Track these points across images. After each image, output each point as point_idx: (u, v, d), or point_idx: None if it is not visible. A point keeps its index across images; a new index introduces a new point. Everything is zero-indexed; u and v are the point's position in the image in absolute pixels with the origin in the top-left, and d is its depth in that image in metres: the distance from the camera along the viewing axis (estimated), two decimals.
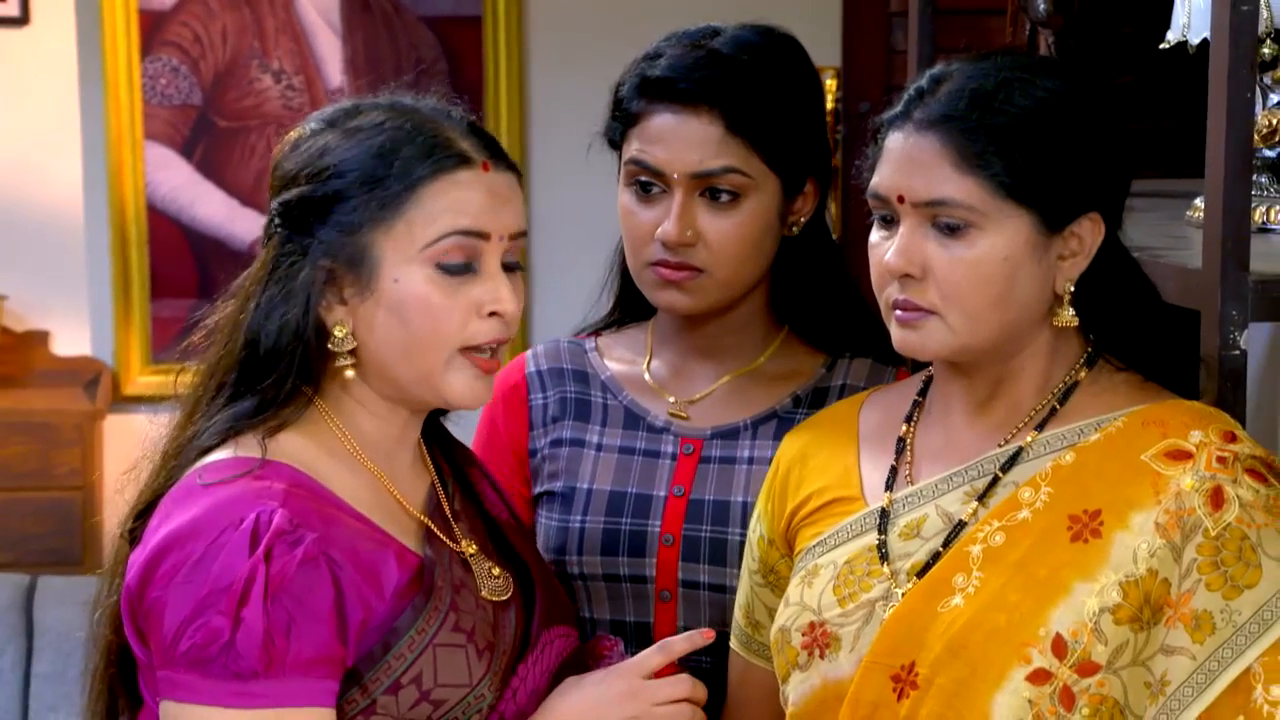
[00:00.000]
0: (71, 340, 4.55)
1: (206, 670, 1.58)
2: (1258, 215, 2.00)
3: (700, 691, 1.77)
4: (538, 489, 2.07)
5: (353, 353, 1.70)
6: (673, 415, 2.05)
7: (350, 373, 1.70)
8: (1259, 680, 1.56)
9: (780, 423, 2.01)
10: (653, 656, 1.76)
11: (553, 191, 4.54)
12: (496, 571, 1.76)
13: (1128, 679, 1.58)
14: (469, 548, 1.76)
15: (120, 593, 1.66)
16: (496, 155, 1.74)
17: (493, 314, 1.71)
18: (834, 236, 3.10)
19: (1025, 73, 1.67)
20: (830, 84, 4.25)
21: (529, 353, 2.14)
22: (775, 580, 1.83)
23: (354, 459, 1.72)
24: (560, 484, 2.05)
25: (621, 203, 2.01)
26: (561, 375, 2.10)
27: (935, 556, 1.67)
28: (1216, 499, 1.59)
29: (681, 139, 1.95)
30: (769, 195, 1.98)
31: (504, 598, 1.75)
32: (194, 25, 4.50)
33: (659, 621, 2.00)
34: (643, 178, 1.98)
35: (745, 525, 1.95)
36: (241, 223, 4.50)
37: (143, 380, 4.51)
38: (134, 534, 1.68)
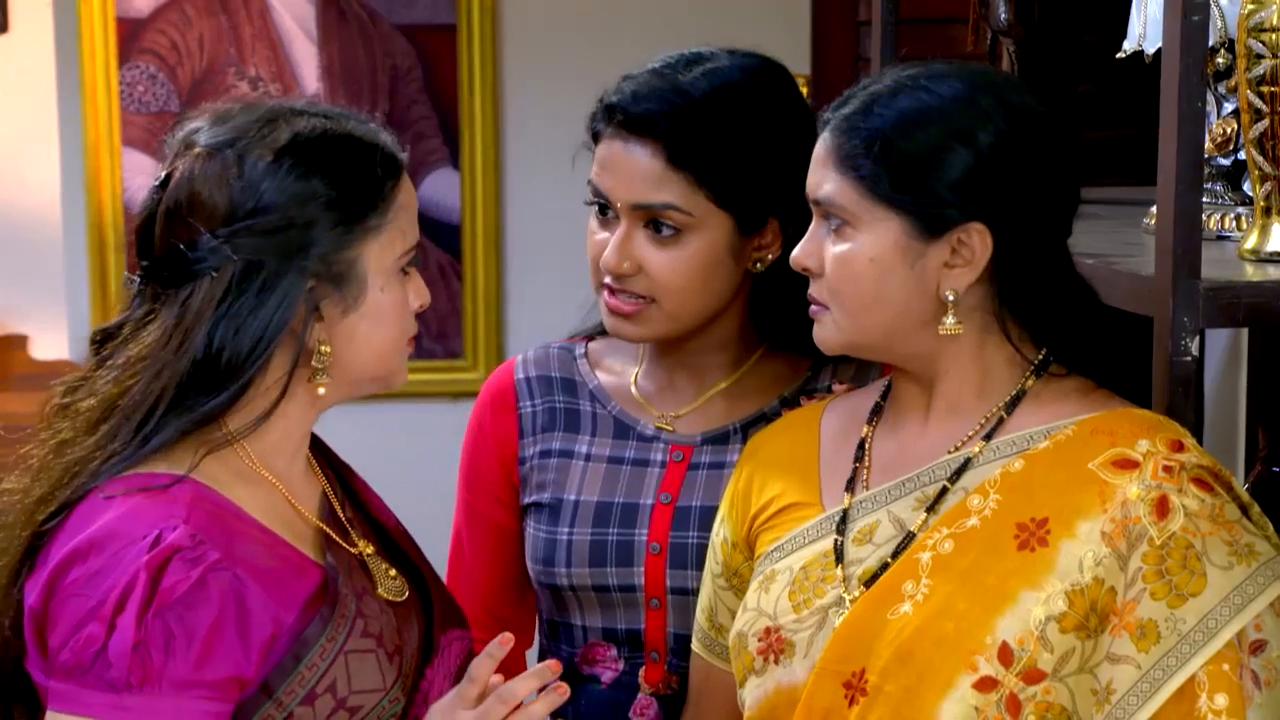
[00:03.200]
0: (50, 344, 4.53)
1: (83, 680, 1.56)
2: (1212, 223, 2.01)
3: (531, 683, 1.66)
4: (526, 499, 2.06)
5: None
6: (660, 427, 2.04)
7: (322, 390, 1.70)
8: (1203, 689, 1.56)
9: (769, 425, 2.00)
10: (470, 688, 1.67)
11: (525, 197, 4.54)
12: (393, 573, 1.76)
13: (1075, 686, 1.58)
14: (366, 548, 1.75)
15: (11, 604, 1.63)
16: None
17: (418, 307, 1.76)
18: None
19: (924, 81, 1.67)
20: (801, 91, 4.25)
21: (519, 359, 2.12)
22: (739, 584, 1.82)
23: (251, 470, 1.69)
24: (548, 495, 2.03)
25: (589, 223, 2.00)
26: (550, 384, 2.08)
27: (885, 564, 1.67)
28: (1161, 508, 1.59)
29: (625, 168, 1.93)
30: (717, 232, 1.94)
31: (401, 599, 1.74)
32: (171, 33, 4.49)
33: (650, 628, 1.99)
34: (598, 201, 1.97)
35: None
36: None
37: None
38: (36, 542, 1.63)
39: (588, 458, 2.04)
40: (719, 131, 1.92)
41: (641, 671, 2.00)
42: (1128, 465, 1.62)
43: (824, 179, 1.68)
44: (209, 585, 1.58)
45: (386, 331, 1.71)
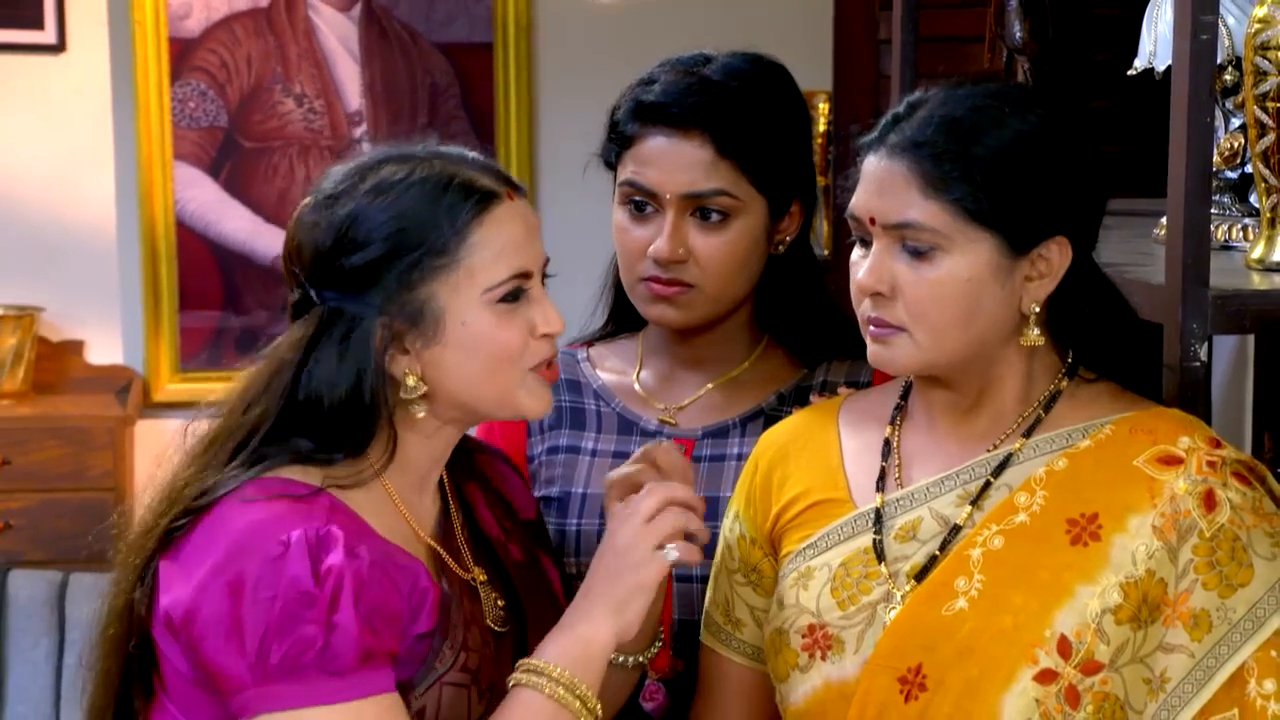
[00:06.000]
0: (104, 349, 4.56)
1: (302, 676, 1.54)
2: (1220, 233, 2.00)
3: (679, 491, 1.72)
4: (535, 494, 2.06)
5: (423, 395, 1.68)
6: (663, 421, 2.05)
7: (422, 413, 1.68)
8: (1253, 675, 1.57)
9: (767, 419, 2.01)
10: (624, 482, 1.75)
11: (559, 209, 4.54)
12: (500, 603, 1.75)
13: (1128, 676, 1.58)
14: (480, 575, 1.74)
15: (135, 595, 1.62)
16: (511, 182, 1.75)
17: (544, 335, 1.71)
18: (825, 253, 3.09)
19: (995, 100, 1.65)
20: (823, 107, 4.25)
21: None
22: (758, 579, 1.81)
23: (378, 485, 1.69)
24: (556, 489, 2.04)
25: (616, 220, 2.01)
26: (555, 385, 2.10)
27: (932, 559, 1.66)
28: (1209, 501, 1.59)
29: (674, 161, 1.95)
30: (756, 216, 1.98)
31: (504, 629, 1.73)
32: (221, 52, 4.51)
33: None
34: (637, 198, 1.98)
35: None
36: (265, 238, 4.50)
37: (171, 388, 4.52)
38: (162, 548, 1.63)
39: (594, 453, 2.05)
40: (755, 118, 1.96)
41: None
42: (1172, 461, 1.62)
43: (906, 203, 1.62)
44: (378, 567, 1.58)
45: (477, 361, 1.67)
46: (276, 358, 1.68)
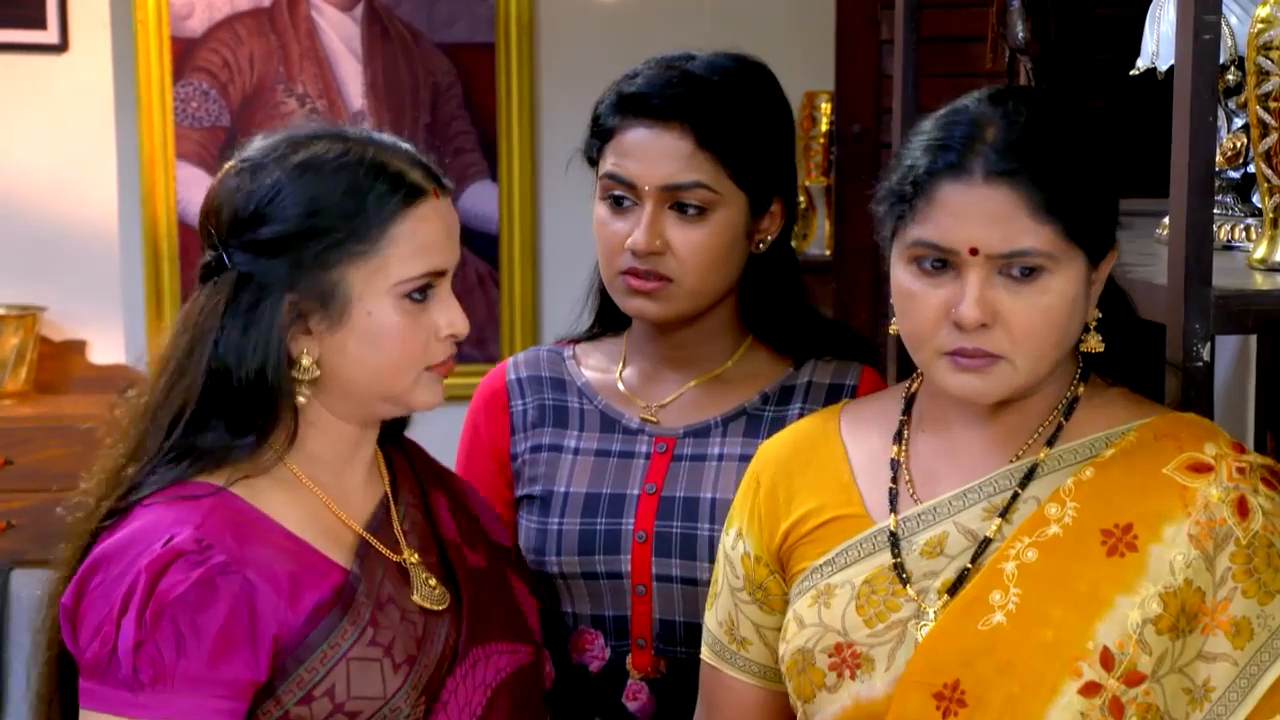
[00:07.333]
0: (107, 349, 4.56)
1: (102, 679, 1.57)
2: (1222, 234, 2.00)
3: None
4: (519, 492, 2.07)
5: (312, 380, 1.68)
6: (645, 419, 2.05)
7: (302, 399, 1.68)
8: None
9: (749, 419, 2.01)
10: None
11: (560, 206, 4.55)
12: (433, 582, 1.73)
13: (1168, 686, 1.56)
14: (411, 557, 1.73)
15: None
16: (439, 179, 1.74)
17: (448, 336, 1.72)
18: (826, 253, 3.07)
19: (1058, 113, 1.63)
20: (825, 107, 4.25)
21: (509, 361, 2.15)
22: (764, 597, 1.76)
23: (294, 478, 1.69)
24: (539, 488, 2.04)
25: (596, 215, 2.00)
26: (540, 382, 2.10)
27: (962, 573, 1.63)
28: (1242, 508, 1.58)
29: (654, 153, 1.94)
30: (735, 211, 1.97)
31: (439, 607, 1.72)
32: (223, 51, 4.51)
33: (636, 615, 1.99)
34: (616, 191, 1.97)
35: (714, 520, 1.94)
36: None
37: None
38: (85, 551, 1.65)
39: (576, 451, 2.04)
40: (737, 113, 1.95)
41: (629, 658, 2.00)
42: (1202, 469, 1.60)
43: (1019, 231, 1.56)
44: (218, 587, 1.58)
45: (379, 354, 1.68)
46: (196, 326, 1.67)
